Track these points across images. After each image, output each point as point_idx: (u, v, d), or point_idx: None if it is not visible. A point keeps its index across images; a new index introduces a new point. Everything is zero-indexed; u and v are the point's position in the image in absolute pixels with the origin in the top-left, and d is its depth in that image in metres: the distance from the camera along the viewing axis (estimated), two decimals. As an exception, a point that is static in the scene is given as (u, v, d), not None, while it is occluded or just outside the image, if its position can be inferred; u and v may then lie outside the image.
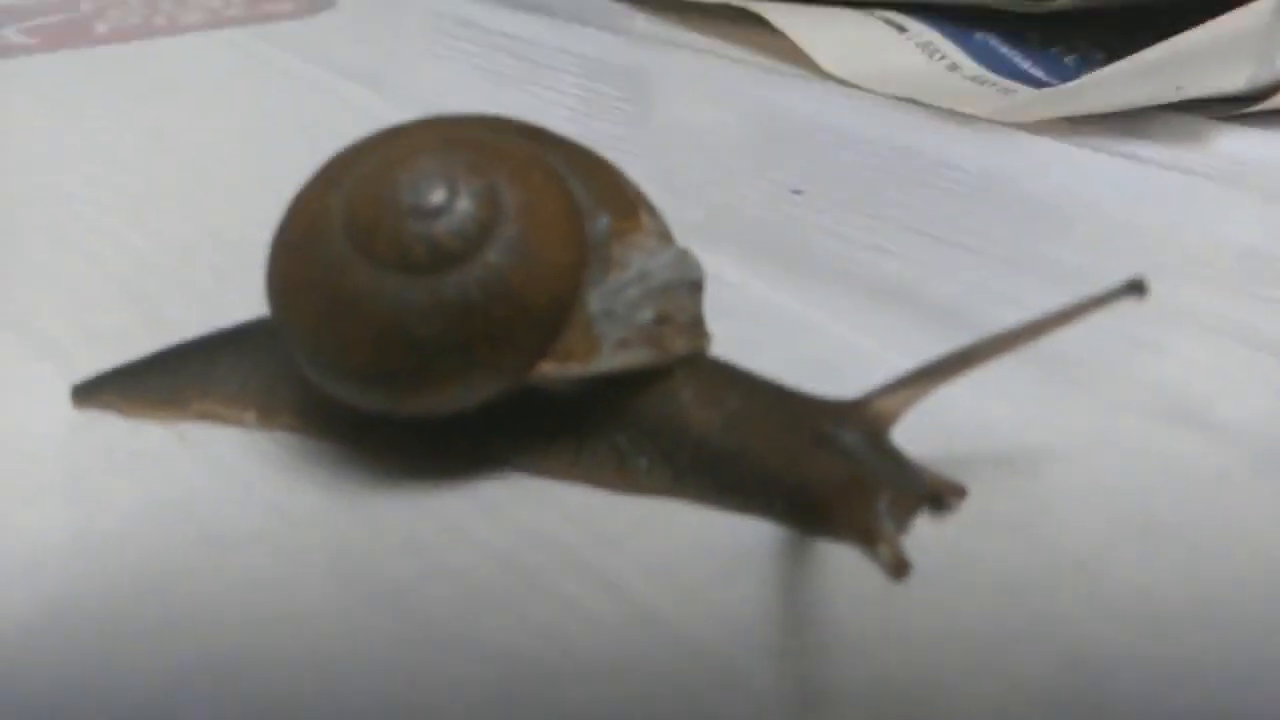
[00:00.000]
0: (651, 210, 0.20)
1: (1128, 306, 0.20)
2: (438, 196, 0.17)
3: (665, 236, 0.19)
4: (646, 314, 0.18)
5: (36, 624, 0.16)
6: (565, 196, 0.18)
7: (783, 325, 0.24)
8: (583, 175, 0.19)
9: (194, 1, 0.55)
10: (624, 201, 0.19)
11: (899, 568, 0.16)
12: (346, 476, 0.19)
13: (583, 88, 0.42)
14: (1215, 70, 0.34)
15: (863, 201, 0.31)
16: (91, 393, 0.21)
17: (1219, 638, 0.16)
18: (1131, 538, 0.18)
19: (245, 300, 0.25)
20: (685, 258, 0.19)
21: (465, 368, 0.17)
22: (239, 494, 0.19)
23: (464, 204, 0.17)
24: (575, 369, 0.18)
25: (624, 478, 0.19)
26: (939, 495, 0.13)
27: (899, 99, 0.39)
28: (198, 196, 0.31)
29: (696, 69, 0.44)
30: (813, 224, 0.30)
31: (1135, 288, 0.18)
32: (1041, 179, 0.33)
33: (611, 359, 0.18)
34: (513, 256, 0.17)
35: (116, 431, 0.20)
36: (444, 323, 0.17)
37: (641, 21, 0.50)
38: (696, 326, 0.19)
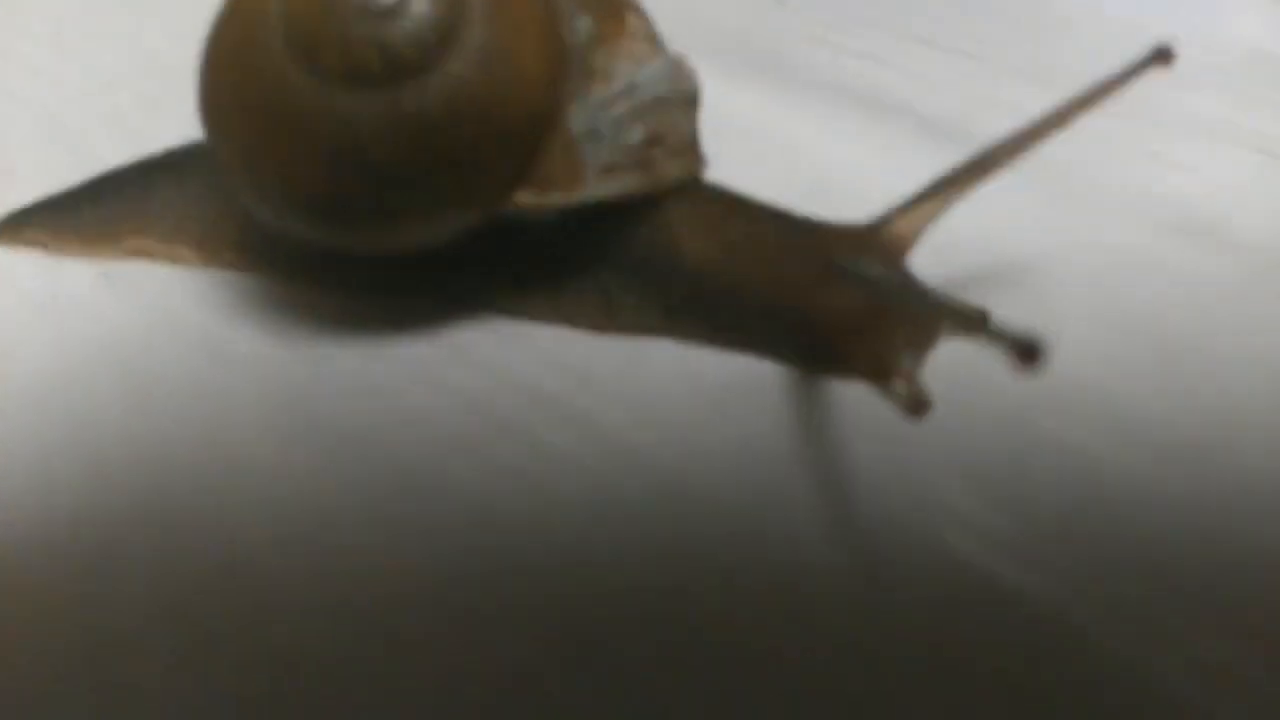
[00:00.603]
0: (639, 10, 0.17)
1: (1142, 116, 0.18)
2: None
3: (654, 42, 0.17)
4: (635, 134, 0.16)
5: None
6: None
7: (770, 144, 0.22)
8: None
9: None
10: (608, 0, 0.16)
11: (917, 405, 0.15)
12: (296, 319, 0.17)
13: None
14: None
15: (854, 8, 0.29)
16: (16, 228, 0.19)
17: (1234, 462, 0.15)
18: (1145, 357, 0.16)
19: (182, 133, 0.23)
20: (679, 68, 0.17)
21: (428, 197, 0.15)
22: (170, 337, 0.17)
23: (421, 4, 0.15)
24: (556, 198, 0.16)
25: (610, 317, 0.17)
26: (1030, 345, 0.11)
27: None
28: (123, 15, 0.29)
29: None
30: (800, 34, 0.27)
31: (1162, 55, 0.16)
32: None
33: (597, 186, 0.16)
34: (480, 66, 0.15)
35: (35, 270, 0.19)
36: (402, 145, 0.15)
37: None
38: (691, 148, 0.17)
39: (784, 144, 0.22)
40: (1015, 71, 0.25)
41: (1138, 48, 0.26)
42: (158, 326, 0.17)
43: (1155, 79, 0.17)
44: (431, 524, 0.14)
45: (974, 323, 0.12)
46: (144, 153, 0.20)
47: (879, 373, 0.15)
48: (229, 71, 0.15)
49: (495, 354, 0.17)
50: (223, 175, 0.16)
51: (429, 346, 0.17)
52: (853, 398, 0.16)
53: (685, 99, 0.16)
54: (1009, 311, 0.17)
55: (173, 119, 0.23)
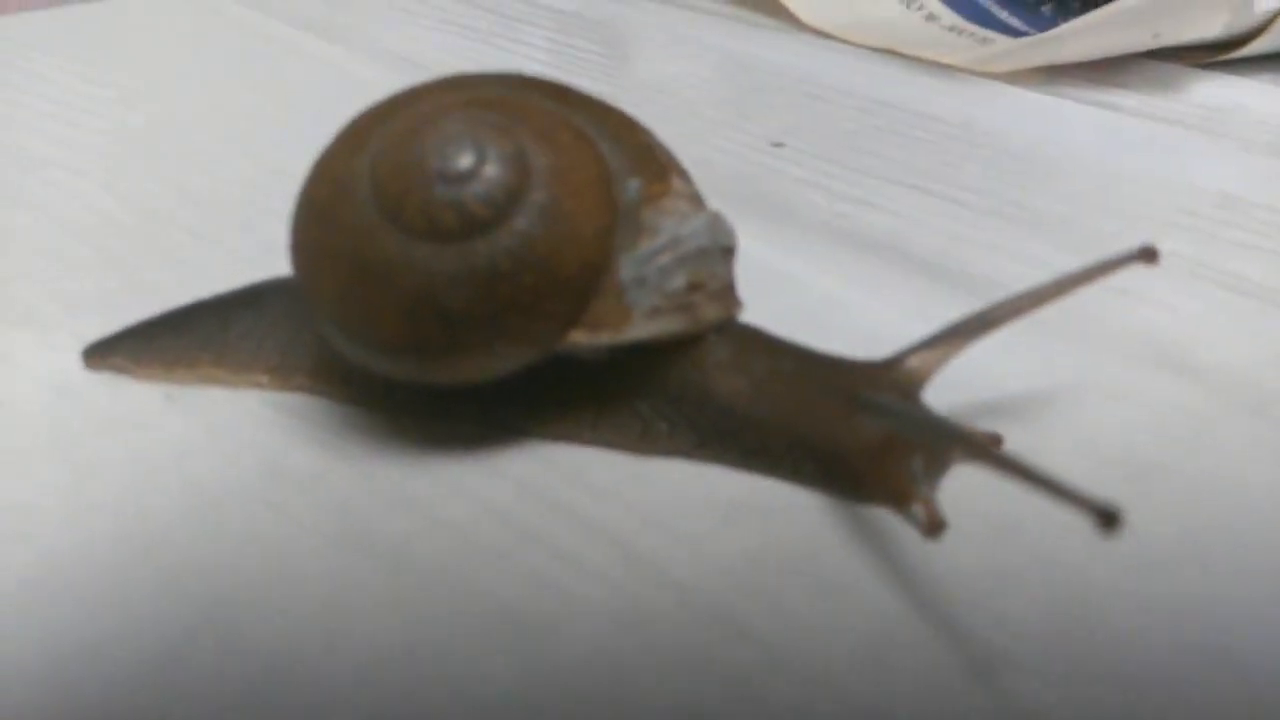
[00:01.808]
0: (683, 173, 0.19)
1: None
2: (466, 161, 0.17)
3: (696, 200, 0.19)
4: (679, 281, 0.18)
5: (31, 589, 0.16)
6: (595, 160, 0.18)
7: (765, 278, 0.24)
8: (611, 136, 0.18)
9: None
10: (655, 164, 0.18)
11: (934, 527, 0.16)
12: (346, 438, 0.19)
13: (556, 42, 0.41)
14: (1192, 17, 0.34)
15: (843, 154, 0.31)
16: (102, 354, 0.21)
17: (1204, 575, 0.16)
18: (1117, 479, 0.18)
19: (222, 261, 0.25)
20: (718, 222, 0.19)
21: (495, 338, 0.17)
22: (230, 452, 0.19)
23: (492, 169, 0.17)
24: (606, 338, 0.18)
25: (646, 443, 0.18)
26: (1111, 513, 0.13)
27: (877, 50, 0.39)
28: (167, 157, 0.31)
29: (671, 22, 0.43)
30: (793, 177, 0.30)
31: (1147, 254, 0.18)
32: (1020, 129, 0.33)
33: (643, 327, 0.18)
34: (543, 223, 0.17)
35: (100, 395, 0.20)
36: (473, 292, 0.17)
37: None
38: (728, 293, 0.19)
39: (783, 279, 0.24)
40: (994, 213, 0.28)
41: (1108, 191, 0.29)
42: (218, 443, 0.19)
43: (1133, 224, 0.19)
44: (462, 624, 0.16)
45: (1026, 475, 0.14)
46: (192, 281, 0.22)
47: (898, 497, 0.17)
48: (320, 224, 0.17)
49: (523, 470, 0.18)
50: (311, 315, 0.18)
51: (464, 464, 0.19)
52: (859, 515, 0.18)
53: (723, 249, 0.18)
54: (1030, 434, 0.19)
55: (220, 251, 0.25)
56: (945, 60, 0.37)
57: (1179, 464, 0.19)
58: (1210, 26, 0.34)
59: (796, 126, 0.33)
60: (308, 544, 0.17)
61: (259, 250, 0.25)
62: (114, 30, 0.43)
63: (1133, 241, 0.24)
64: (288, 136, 0.32)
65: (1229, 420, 0.20)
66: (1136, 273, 0.24)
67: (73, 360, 0.21)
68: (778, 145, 0.32)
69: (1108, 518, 0.13)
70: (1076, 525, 0.17)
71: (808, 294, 0.24)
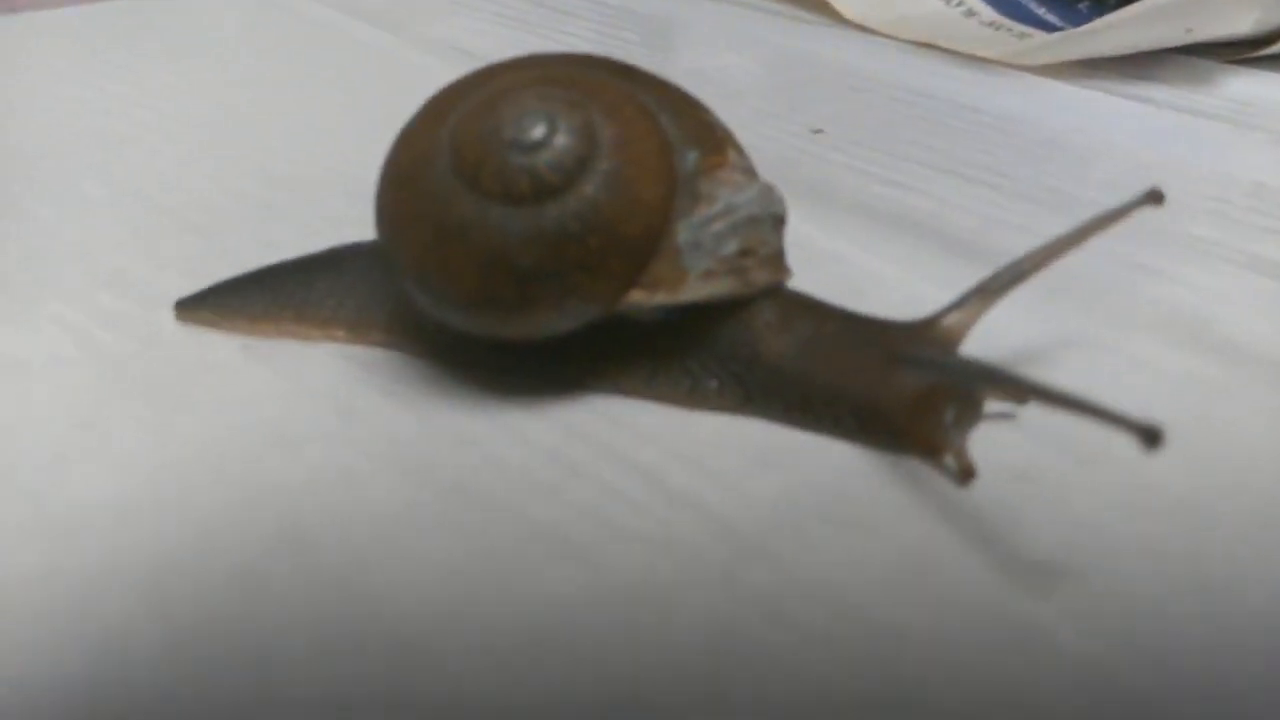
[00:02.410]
0: (738, 147, 0.20)
1: (1144, 238, 0.22)
2: (538, 131, 0.18)
3: (750, 173, 0.20)
4: (731, 246, 0.19)
5: (126, 511, 0.18)
6: (657, 133, 0.19)
7: (807, 254, 0.25)
8: (672, 112, 0.20)
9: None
10: (712, 138, 0.20)
11: (966, 475, 0.18)
12: (412, 385, 0.21)
13: (605, 34, 0.43)
14: (1224, 14, 0.35)
15: (882, 140, 0.32)
16: (192, 308, 0.22)
17: (1210, 527, 0.18)
18: (1132, 441, 0.20)
19: (294, 230, 0.27)
20: (770, 193, 0.20)
21: (562, 294, 0.18)
22: (303, 398, 0.20)
23: (562, 139, 0.18)
24: (663, 297, 0.19)
25: (695, 398, 0.20)
26: (1153, 431, 0.14)
27: (918, 44, 0.40)
28: (236, 140, 0.32)
29: (719, 16, 0.45)
30: (834, 161, 0.31)
31: (1154, 196, 0.20)
32: (1056, 120, 0.34)
33: (698, 289, 0.19)
34: (608, 190, 0.18)
35: (183, 346, 0.22)
36: (543, 251, 0.18)
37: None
38: (778, 259, 0.20)
39: (825, 255, 0.26)
40: (1025, 196, 0.29)
41: (1140, 179, 0.30)
42: (292, 388, 0.21)
43: (1163, 209, 0.20)
44: (514, 547, 0.17)
45: (1068, 404, 0.15)
46: (267, 248, 0.24)
47: (932, 449, 0.18)
48: (404, 189, 0.19)
49: (573, 417, 0.20)
50: (393, 274, 0.20)
51: (520, 411, 0.20)
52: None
53: (774, 219, 0.20)
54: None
55: (290, 222, 0.27)
56: (983, 55, 0.38)
57: (1192, 430, 0.20)
58: (1242, 23, 0.35)
59: (838, 115, 0.34)
60: (373, 475, 0.19)
61: (326, 224, 0.27)
62: (173, 21, 0.45)
63: (1162, 225, 0.25)
64: (345, 121, 0.34)
65: (1243, 392, 0.21)
66: (1166, 254, 0.26)
67: (159, 315, 0.23)
68: (817, 132, 0.33)
69: (1151, 435, 0.14)
70: (1089, 476, 0.19)
71: (848, 269, 0.25)
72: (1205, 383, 0.21)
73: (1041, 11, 0.40)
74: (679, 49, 0.42)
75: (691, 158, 0.19)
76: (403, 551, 0.17)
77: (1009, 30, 0.40)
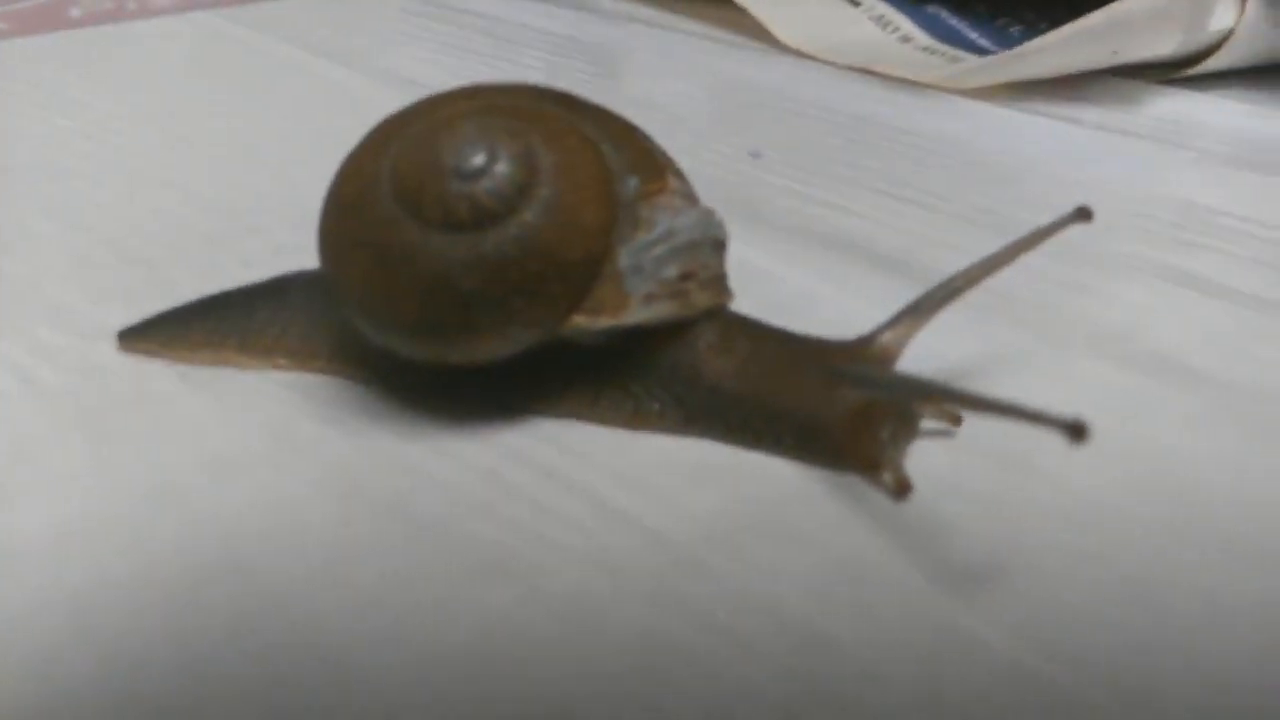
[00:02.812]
0: (678, 173, 0.21)
1: (1073, 256, 0.22)
2: (478, 160, 0.18)
3: (690, 198, 0.20)
4: (672, 270, 0.19)
5: (62, 541, 0.18)
6: (598, 159, 0.19)
7: (743, 274, 0.26)
8: (613, 139, 0.20)
9: (164, -15, 0.56)
10: (652, 164, 0.20)
11: (901, 490, 0.18)
12: (348, 410, 0.21)
13: (551, 63, 0.43)
14: (1148, 37, 0.36)
15: (818, 163, 0.33)
16: (135, 337, 0.22)
17: (1129, 526, 0.18)
18: (1059, 446, 0.20)
19: (234, 261, 0.27)
20: (709, 217, 0.20)
21: (504, 319, 0.19)
22: (240, 424, 0.20)
23: (502, 166, 0.18)
24: (605, 321, 0.19)
25: (638, 420, 0.20)
26: (1078, 426, 0.14)
27: (854, 70, 0.41)
28: (186, 171, 0.32)
29: (660, 44, 0.45)
30: (771, 184, 0.32)
31: (1083, 214, 0.20)
32: (988, 141, 0.35)
33: (639, 312, 0.19)
34: (547, 215, 0.18)
35: (120, 376, 0.22)
36: (484, 277, 0.18)
37: (608, 1, 0.52)
38: (719, 282, 0.20)
39: (760, 274, 0.26)
40: (957, 216, 0.29)
41: (1070, 197, 0.31)
42: (230, 415, 0.21)
43: (1091, 226, 0.21)
44: (452, 564, 0.17)
45: (995, 408, 0.16)
46: (207, 278, 0.24)
47: (870, 465, 0.19)
48: (347, 217, 0.19)
49: (508, 439, 0.20)
50: (336, 301, 0.20)
51: (456, 434, 0.20)
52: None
53: (714, 243, 0.20)
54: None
55: (231, 252, 0.27)
56: (917, 79, 0.39)
57: (1114, 433, 0.20)
58: (1165, 45, 0.36)
59: (776, 139, 0.35)
60: (310, 500, 0.19)
61: (268, 253, 0.27)
62: (126, 53, 0.45)
63: (1090, 242, 0.26)
64: (293, 151, 0.34)
65: (1168, 401, 0.22)
66: (1096, 271, 0.26)
67: (99, 347, 0.23)
68: (756, 155, 0.33)
69: (1076, 430, 0.14)
70: (1016, 481, 0.19)
71: (782, 288, 0.26)
72: (1132, 393, 0.22)
73: (974, 36, 0.41)
74: (625, 76, 0.43)
75: (632, 184, 0.20)
76: (339, 574, 0.17)
77: (942, 55, 0.40)
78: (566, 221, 0.19)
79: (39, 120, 0.37)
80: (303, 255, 0.22)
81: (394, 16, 0.51)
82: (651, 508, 0.19)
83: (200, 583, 0.17)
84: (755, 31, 0.45)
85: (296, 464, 0.20)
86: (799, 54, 0.43)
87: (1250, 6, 0.36)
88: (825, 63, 0.42)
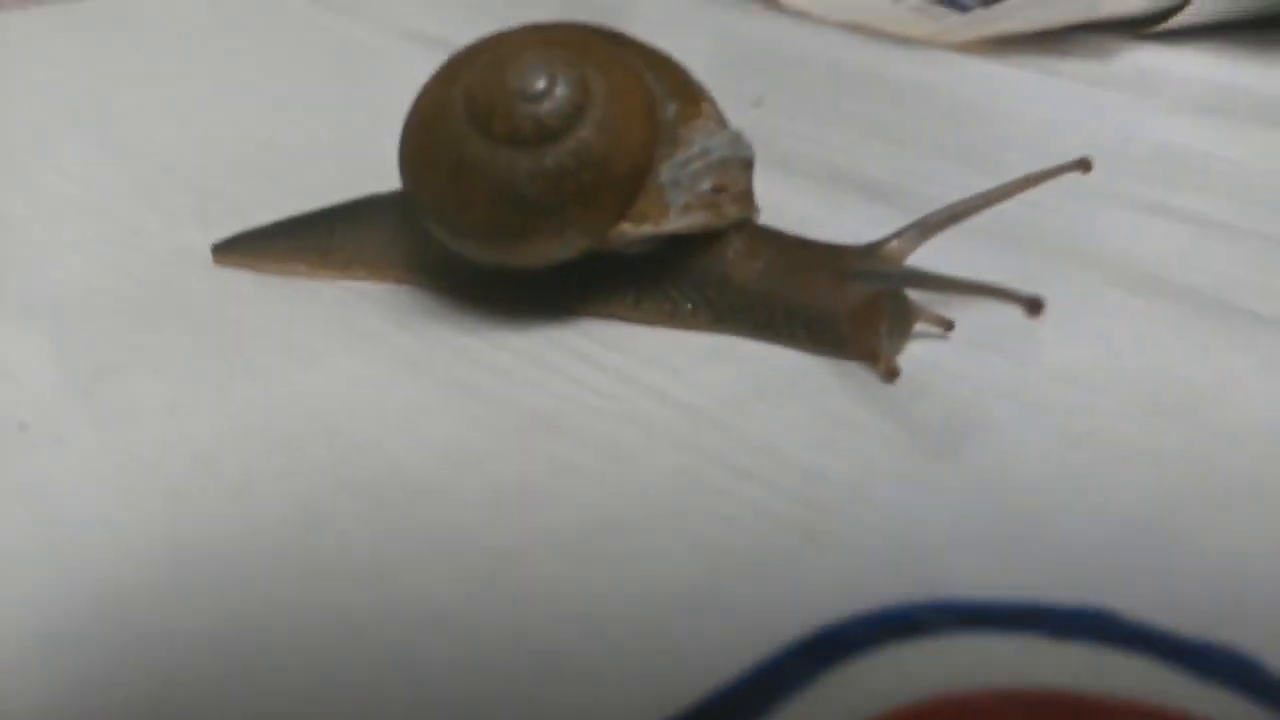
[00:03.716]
0: (711, 101, 0.23)
1: (1055, 189, 0.25)
2: (541, 84, 0.21)
3: (722, 122, 0.23)
4: (706, 184, 0.22)
5: (173, 413, 0.20)
6: (642, 86, 0.22)
7: None
8: (655, 70, 0.22)
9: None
10: (689, 92, 0.23)
11: (891, 375, 0.21)
12: (413, 313, 0.23)
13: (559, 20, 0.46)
14: (1122, -6, 0.39)
15: (816, 109, 0.36)
16: (227, 251, 0.25)
17: (1092, 399, 0.21)
18: (1022, 333, 0.22)
19: (294, 193, 0.29)
20: (739, 139, 0.23)
21: (561, 225, 0.21)
22: (318, 322, 0.23)
23: (562, 90, 0.21)
24: (648, 229, 0.22)
25: (674, 320, 0.23)
26: (1035, 300, 0.17)
27: (849, 26, 0.44)
28: (232, 115, 0.35)
29: (667, 3, 0.48)
30: (771, 128, 0.34)
31: (1083, 164, 0.23)
32: (972, 90, 0.37)
33: (677, 220, 0.22)
34: (600, 134, 0.21)
35: (203, 280, 0.25)
36: (544, 185, 0.21)
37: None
38: (747, 196, 0.23)
39: (764, 204, 0.29)
40: (943, 155, 0.32)
41: (1051, 140, 0.33)
42: (303, 315, 0.23)
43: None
44: (505, 424, 0.20)
45: (973, 289, 0.19)
46: (264, 205, 0.26)
47: (869, 354, 0.21)
48: (424, 135, 0.22)
49: (551, 333, 0.23)
50: (414, 212, 0.23)
51: (506, 329, 0.23)
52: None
53: (743, 162, 0.23)
54: (976, 326, 0.23)
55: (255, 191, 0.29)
56: (908, 34, 0.42)
57: (1073, 321, 0.23)
58: (1140, 2, 0.39)
59: (776, 88, 0.38)
60: (384, 377, 0.22)
61: (320, 185, 0.29)
62: (157, 13, 0.48)
63: (1072, 177, 0.28)
64: (329, 97, 0.36)
65: (1122, 300, 0.24)
66: (1076, 201, 0.29)
67: (176, 260, 0.26)
68: (757, 103, 0.36)
69: (1033, 304, 0.17)
70: (984, 364, 0.22)
71: (783, 214, 0.28)
72: (1116, 303, 0.24)
73: (960, -5, 0.44)
74: (630, 32, 0.45)
75: (671, 108, 0.22)
76: (417, 430, 0.20)
77: (930, 14, 0.43)
78: (616, 139, 0.21)
79: (84, 73, 0.39)
80: (349, 189, 0.25)
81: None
82: (673, 382, 0.21)
83: (298, 439, 0.20)
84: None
85: (367, 352, 0.22)
86: (797, 12, 0.45)
87: (1217, -35, 0.39)
88: (821, 20, 0.44)
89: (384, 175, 0.24)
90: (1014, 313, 0.23)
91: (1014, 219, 0.27)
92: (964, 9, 0.43)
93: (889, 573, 0.17)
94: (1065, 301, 0.24)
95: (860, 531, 0.18)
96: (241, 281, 0.25)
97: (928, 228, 0.22)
